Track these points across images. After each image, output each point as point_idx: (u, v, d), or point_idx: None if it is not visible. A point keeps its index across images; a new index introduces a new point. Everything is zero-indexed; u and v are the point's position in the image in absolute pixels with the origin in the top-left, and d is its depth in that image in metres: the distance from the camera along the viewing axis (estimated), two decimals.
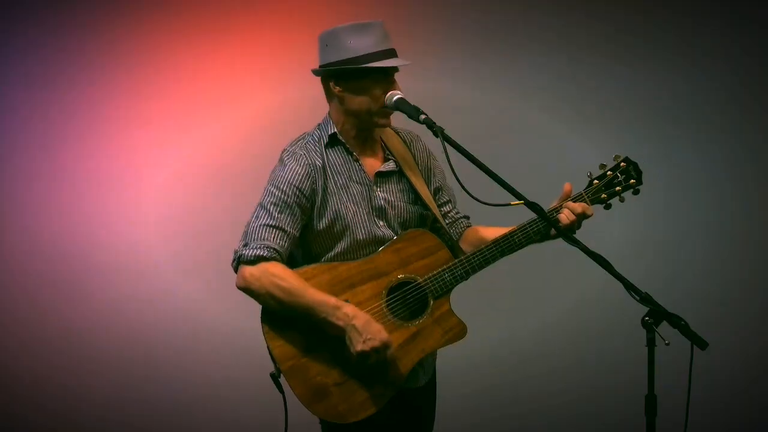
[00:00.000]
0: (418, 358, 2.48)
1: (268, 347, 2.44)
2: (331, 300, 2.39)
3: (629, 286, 2.19)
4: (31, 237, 4.07)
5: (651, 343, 2.15)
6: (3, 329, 4.05)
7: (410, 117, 2.43)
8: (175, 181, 4.12)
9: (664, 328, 2.15)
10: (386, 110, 2.49)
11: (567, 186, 2.52)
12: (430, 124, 2.38)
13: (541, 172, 4.10)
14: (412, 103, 2.45)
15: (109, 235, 4.08)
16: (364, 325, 2.37)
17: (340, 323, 2.37)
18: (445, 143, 2.36)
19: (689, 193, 4.16)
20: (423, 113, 2.40)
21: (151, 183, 4.11)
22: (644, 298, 2.18)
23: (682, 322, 2.14)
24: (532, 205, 2.26)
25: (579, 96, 4.19)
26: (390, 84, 2.48)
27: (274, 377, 2.43)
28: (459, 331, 2.51)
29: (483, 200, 2.32)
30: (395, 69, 2.49)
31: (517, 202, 2.27)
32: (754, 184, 4.18)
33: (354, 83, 2.48)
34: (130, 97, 4.10)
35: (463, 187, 2.53)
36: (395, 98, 2.45)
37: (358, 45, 2.44)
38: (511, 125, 4.21)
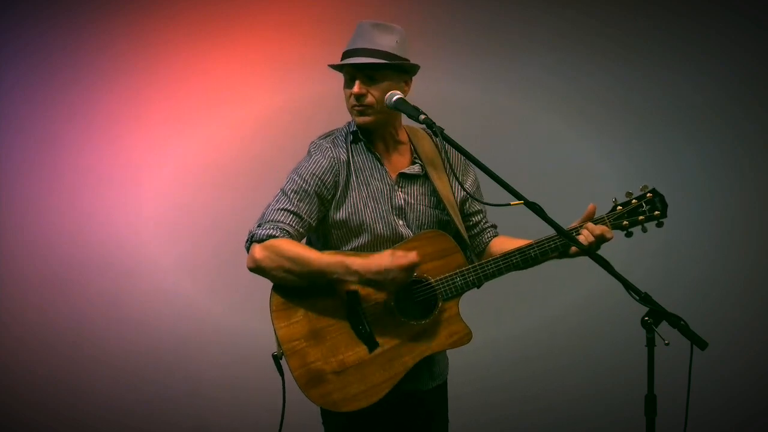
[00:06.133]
0: (419, 357, 2.48)
1: (273, 328, 2.43)
2: (342, 261, 2.39)
3: (629, 286, 2.19)
4: (31, 237, 4.07)
5: (651, 343, 2.16)
6: (3, 329, 4.05)
7: (410, 117, 2.43)
8: (175, 181, 4.12)
9: (664, 328, 2.15)
10: (355, 107, 2.49)
11: (591, 207, 2.51)
12: (429, 124, 2.38)
13: (541, 172, 4.10)
14: (413, 103, 2.45)
15: (108, 235, 4.08)
16: (377, 270, 2.36)
17: (354, 285, 2.40)
18: (445, 143, 2.36)
19: (689, 193, 4.16)
20: (422, 113, 2.40)
21: (151, 183, 4.11)
22: (644, 298, 2.18)
23: (682, 322, 2.14)
24: (531, 205, 2.25)
25: (579, 96, 4.19)
26: (352, 80, 2.48)
27: (276, 358, 2.43)
28: (463, 336, 2.50)
29: (483, 200, 2.32)
30: (344, 66, 2.49)
31: (517, 202, 2.27)
32: (754, 184, 4.18)
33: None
34: (130, 96, 4.10)
35: (462, 187, 2.54)
36: (394, 98, 2.45)
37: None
38: (512, 125, 4.20)
